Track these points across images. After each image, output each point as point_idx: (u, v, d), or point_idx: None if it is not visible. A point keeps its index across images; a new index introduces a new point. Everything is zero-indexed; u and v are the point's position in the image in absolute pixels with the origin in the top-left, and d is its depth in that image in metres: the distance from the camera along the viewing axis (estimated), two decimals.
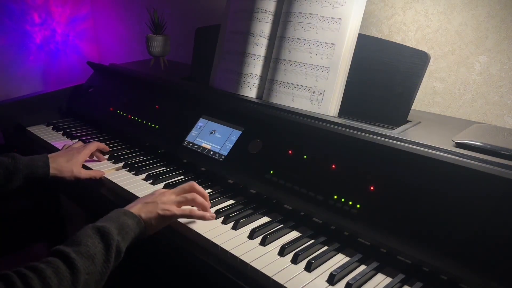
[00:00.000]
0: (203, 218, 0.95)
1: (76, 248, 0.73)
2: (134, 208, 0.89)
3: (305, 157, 1.02)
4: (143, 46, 2.18)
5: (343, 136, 0.97)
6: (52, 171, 1.15)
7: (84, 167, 1.25)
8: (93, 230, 0.78)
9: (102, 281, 0.75)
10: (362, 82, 1.13)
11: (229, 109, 1.25)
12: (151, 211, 0.89)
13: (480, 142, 0.87)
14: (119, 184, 1.15)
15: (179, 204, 0.94)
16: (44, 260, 0.71)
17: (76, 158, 1.20)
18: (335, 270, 0.80)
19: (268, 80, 1.24)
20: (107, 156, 1.32)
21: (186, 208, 0.94)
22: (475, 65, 1.17)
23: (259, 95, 1.28)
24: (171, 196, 0.94)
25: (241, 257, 0.85)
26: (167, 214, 0.90)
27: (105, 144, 1.40)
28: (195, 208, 0.96)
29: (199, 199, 0.96)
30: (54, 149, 1.43)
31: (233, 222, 0.96)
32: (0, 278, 0.65)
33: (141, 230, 0.86)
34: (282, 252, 0.86)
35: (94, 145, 1.28)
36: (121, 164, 1.28)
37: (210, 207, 1.01)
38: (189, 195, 0.95)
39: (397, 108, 1.08)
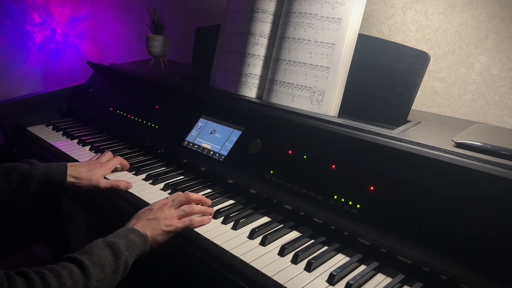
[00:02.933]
0: (202, 223, 0.97)
1: (89, 256, 0.79)
2: (139, 226, 0.92)
3: (305, 157, 1.02)
4: (143, 46, 2.18)
5: (343, 136, 0.97)
6: (69, 179, 1.13)
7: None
8: (104, 243, 0.83)
9: None
10: (362, 82, 1.13)
11: (229, 109, 1.25)
12: (156, 228, 0.92)
13: (480, 142, 0.87)
14: None
15: (179, 217, 0.96)
16: (59, 264, 0.76)
17: (97, 169, 1.17)
18: (335, 270, 0.80)
19: (268, 80, 1.24)
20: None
21: (186, 219, 0.96)
22: (475, 65, 1.17)
23: (259, 95, 1.28)
24: (170, 211, 0.97)
25: (241, 257, 0.85)
26: (170, 229, 0.93)
27: (105, 144, 1.40)
28: (194, 216, 0.97)
29: (197, 208, 0.99)
30: (54, 149, 1.43)
31: (233, 222, 0.96)
32: (19, 274, 0.71)
33: (146, 248, 0.90)
34: (282, 252, 0.86)
35: (117, 160, 1.23)
36: None
37: (210, 205, 1.03)
38: (187, 208, 0.98)
39: (397, 108, 1.08)
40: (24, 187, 1.09)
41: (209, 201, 1.04)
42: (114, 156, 1.27)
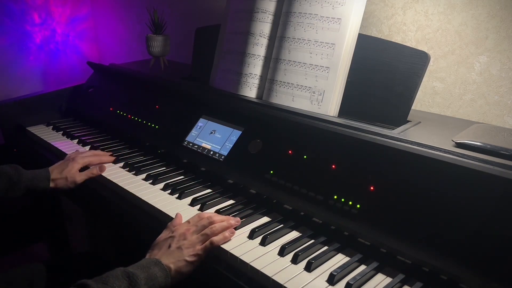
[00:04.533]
0: (225, 241, 0.90)
1: (102, 286, 0.75)
2: (163, 258, 0.86)
3: (305, 157, 1.02)
4: (143, 46, 2.18)
5: (343, 136, 0.97)
6: (50, 184, 1.19)
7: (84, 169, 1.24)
8: (123, 273, 0.79)
9: None
10: (362, 82, 1.13)
11: (229, 109, 1.25)
12: (180, 260, 0.86)
13: (480, 142, 0.87)
14: (119, 184, 1.15)
15: (202, 242, 0.89)
16: None
17: (71, 166, 1.21)
18: (335, 270, 0.80)
19: (268, 80, 1.24)
20: (121, 163, 1.28)
21: (207, 243, 0.89)
22: (475, 65, 1.17)
23: (259, 95, 1.28)
24: (192, 237, 0.89)
25: (241, 257, 0.85)
26: (195, 260, 0.87)
27: (105, 144, 1.40)
28: (214, 237, 0.90)
29: (219, 228, 0.91)
30: (54, 149, 1.43)
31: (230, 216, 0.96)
32: None
33: (167, 283, 0.84)
34: (282, 252, 0.86)
35: (90, 153, 1.28)
36: (121, 164, 1.28)
37: (230, 214, 0.99)
38: (209, 231, 0.90)
39: (397, 108, 1.08)
40: (10, 191, 1.13)
41: (235, 222, 0.95)
42: (93, 151, 1.32)
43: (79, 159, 1.24)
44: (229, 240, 0.91)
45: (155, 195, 1.10)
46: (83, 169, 1.24)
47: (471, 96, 1.20)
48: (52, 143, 1.45)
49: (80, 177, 1.19)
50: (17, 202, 1.77)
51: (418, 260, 0.80)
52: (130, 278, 0.78)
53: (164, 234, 0.93)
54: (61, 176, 1.19)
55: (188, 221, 0.94)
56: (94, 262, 1.25)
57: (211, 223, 0.92)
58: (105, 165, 1.25)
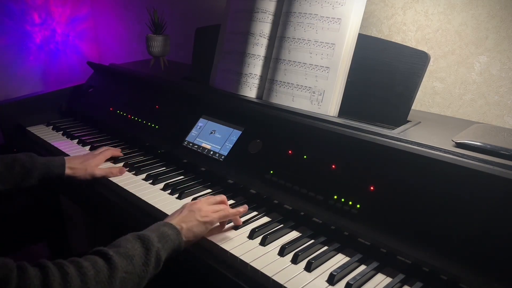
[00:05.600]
0: (238, 213, 0.95)
1: (115, 249, 0.76)
2: (174, 220, 0.89)
3: (305, 157, 1.02)
4: (143, 46, 2.18)
5: (343, 136, 0.97)
6: (67, 171, 1.18)
7: None
8: (133, 236, 0.80)
9: (140, 286, 0.77)
10: (362, 82, 1.13)
11: (229, 109, 1.25)
12: (191, 220, 0.89)
13: (480, 142, 0.87)
14: (119, 184, 1.15)
15: (214, 211, 0.93)
16: (83, 257, 0.73)
17: (91, 160, 1.23)
18: (335, 270, 0.80)
19: (268, 80, 1.24)
20: (112, 161, 1.31)
21: (221, 212, 0.93)
22: (475, 65, 1.17)
23: (259, 95, 1.28)
24: (205, 205, 0.94)
25: (241, 257, 0.85)
26: (207, 220, 0.90)
27: (105, 144, 1.40)
28: (229, 210, 0.95)
29: (232, 210, 0.96)
30: (54, 149, 1.43)
31: (233, 222, 0.96)
32: (35, 265, 0.67)
33: (181, 241, 0.86)
34: (282, 252, 0.86)
35: (109, 152, 1.29)
36: (121, 164, 1.28)
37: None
38: (222, 205, 0.95)
39: (397, 108, 1.08)
40: (25, 179, 1.12)
41: (243, 209, 0.98)
42: (108, 148, 1.32)
43: (101, 157, 1.26)
44: (239, 223, 0.96)
45: (155, 195, 1.10)
46: None
47: (471, 96, 1.20)
48: (52, 143, 1.45)
49: (99, 172, 1.20)
50: (17, 202, 1.77)
51: (418, 260, 0.80)
52: (141, 239, 0.79)
53: (175, 210, 0.96)
54: (81, 166, 1.20)
55: (200, 199, 0.98)
56: None
57: (222, 199, 0.98)
58: (106, 165, 1.25)
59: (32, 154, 1.17)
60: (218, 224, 0.94)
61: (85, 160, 1.23)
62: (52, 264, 0.68)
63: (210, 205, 0.94)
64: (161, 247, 0.80)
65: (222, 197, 0.99)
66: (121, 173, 1.21)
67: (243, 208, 0.98)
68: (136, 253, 0.76)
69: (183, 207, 0.94)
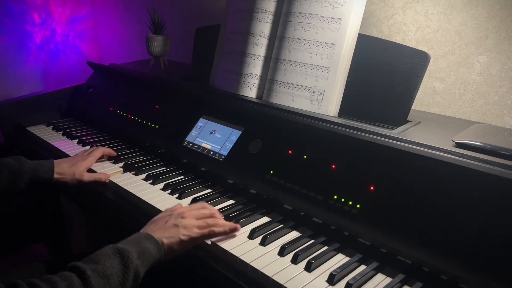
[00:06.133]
0: (225, 234, 0.91)
1: (93, 266, 0.73)
2: (157, 233, 0.85)
3: (305, 157, 1.02)
4: (143, 46, 2.18)
5: (343, 136, 0.97)
6: (55, 175, 1.17)
7: (90, 171, 1.24)
8: (113, 250, 0.77)
9: None
10: (362, 82, 1.13)
11: (229, 109, 1.25)
12: (173, 236, 0.85)
13: (480, 142, 0.87)
14: (119, 184, 1.15)
15: (200, 228, 0.89)
16: (59, 274, 0.71)
17: (80, 163, 1.21)
18: (335, 270, 0.80)
19: (268, 80, 1.24)
20: (112, 161, 1.31)
21: (206, 230, 0.89)
22: (475, 65, 1.17)
23: (259, 95, 1.28)
24: (192, 220, 0.90)
25: (241, 257, 0.85)
26: (189, 241, 0.87)
27: (105, 144, 1.40)
28: (215, 228, 0.90)
29: (222, 222, 0.92)
30: (54, 149, 1.43)
31: (233, 222, 0.96)
32: (10, 286, 0.66)
33: (161, 256, 0.83)
34: (282, 252, 0.86)
35: (99, 151, 1.28)
36: (121, 164, 1.28)
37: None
38: (211, 220, 0.91)
39: (397, 108, 1.08)
40: (13, 184, 1.11)
41: (236, 228, 0.93)
42: (97, 147, 1.31)
43: (91, 159, 1.24)
44: (229, 237, 0.91)
45: (155, 195, 1.10)
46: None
47: (471, 96, 1.20)
48: (52, 143, 1.45)
49: (88, 178, 1.19)
50: (17, 202, 1.77)
51: (418, 260, 0.80)
52: (121, 254, 0.76)
53: (162, 213, 0.94)
54: (69, 171, 1.19)
55: (190, 206, 0.95)
56: None
57: (212, 215, 0.93)
58: (105, 165, 1.25)
59: (20, 157, 1.14)
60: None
61: (74, 164, 1.20)
62: (26, 285, 0.67)
63: (198, 221, 0.90)
64: (140, 263, 0.78)
65: (213, 210, 0.95)
66: (106, 179, 1.18)
67: (233, 228, 0.92)
68: (114, 272, 0.74)
69: (170, 216, 0.90)
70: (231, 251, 0.87)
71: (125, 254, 0.76)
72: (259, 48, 1.27)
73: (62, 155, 1.38)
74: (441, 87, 1.25)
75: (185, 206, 0.95)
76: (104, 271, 0.73)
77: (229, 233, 0.91)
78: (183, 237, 0.86)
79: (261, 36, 1.26)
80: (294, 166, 1.02)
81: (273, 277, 0.79)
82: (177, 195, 1.09)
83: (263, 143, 1.11)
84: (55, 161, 1.20)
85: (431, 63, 1.22)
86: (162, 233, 0.85)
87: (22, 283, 0.67)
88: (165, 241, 0.84)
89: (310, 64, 1.15)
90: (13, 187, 1.11)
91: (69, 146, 1.44)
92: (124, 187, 1.13)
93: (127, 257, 0.76)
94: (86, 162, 1.22)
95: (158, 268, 0.85)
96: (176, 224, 0.87)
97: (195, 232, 0.88)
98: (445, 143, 0.90)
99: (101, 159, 1.30)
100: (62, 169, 1.18)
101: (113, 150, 1.37)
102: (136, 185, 1.15)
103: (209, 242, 0.91)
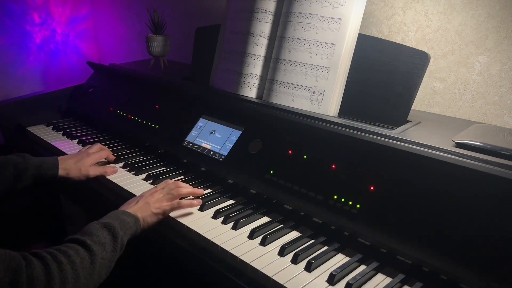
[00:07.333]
0: (191, 206, 1.03)
1: (89, 237, 0.83)
2: (130, 209, 0.96)
3: (305, 157, 1.02)
4: (143, 46, 2.18)
5: (343, 136, 0.97)
6: (60, 172, 1.17)
7: None
8: (100, 225, 0.87)
9: (110, 268, 0.85)
10: (362, 82, 1.13)
11: (229, 109, 1.25)
12: (146, 211, 0.97)
13: (480, 142, 0.87)
14: (119, 184, 1.15)
15: (168, 200, 1.01)
16: (64, 245, 0.80)
17: (85, 159, 1.21)
18: (335, 270, 0.80)
19: (268, 80, 1.24)
20: (121, 163, 1.29)
21: (175, 202, 1.01)
22: (475, 65, 1.17)
23: (259, 95, 1.28)
24: (159, 195, 1.02)
25: (241, 257, 0.85)
26: (159, 212, 0.99)
27: (105, 144, 1.40)
28: (182, 201, 1.02)
29: (184, 190, 1.04)
30: (54, 149, 1.43)
31: (233, 222, 0.96)
32: (33, 255, 0.74)
33: (138, 228, 0.94)
34: (282, 252, 0.86)
35: (105, 153, 1.28)
36: (121, 164, 1.28)
37: (202, 196, 1.08)
38: (175, 191, 1.03)
39: (397, 108, 1.08)
40: (18, 180, 1.11)
41: (200, 192, 1.08)
42: (102, 148, 1.32)
43: (96, 156, 1.25)
44: (196, 206, 1.03)
45: None
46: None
47: (471, 96, 1.20)
48: (52, 143, 1.45)
49: (94, 172, 1.20)
50: (18, 202, 1.77)
51: (418, 260, 0.79)
52: (107, 227, 0.86)
53: (134, 197, 1.04)
54: (75, 166, 1.19)
55: (156, 186, 1.07)
56: None
57: (176, 185, 1.05)
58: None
59: (25, 154, 1.15)
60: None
61: (79, 160, 1.21)
62: (47, 253, 0.75)
63: (164, 195, 1.02)
64: (124, 234, 0.88)
65: (176, 182, 1.06)
66: (114, 172, 1.22)
67: (199, 191, 1.07)
68: (107, 241, 0.84)
69: (141, 196, 1.01)
70: (231, 251, 0.87)
71: (110, 226, 0.87)
72: (259, 48, 1.27)
73: (62, 155, 1.38)
74: (441, 87, 1.25)
75: (153, 187, 1.06)
76: (99, 240, 0.83)
77: (196, 203, 1.03)
78: (154, 210, 0.98)
79: (261, 36, 1.26)
80: (294, 166, 1.02)
81: (273, 277, 0.79)
82: None
83: (263, 143, 1.11)
84: (59, 158, 1.20)
85: (431, 63, 1.22)
86: (136, 210, 0.97)
87: (43, 252, 0.75)
88: (139, 215, 0.96)
89: (310, 64, 1.15)
90: (18, 184, 1.12)
91: (69, 146, 1.44)
92: (124, 187, 1.13)
93: (113, 229, 0.87)
94: (91, 158, 1.23)
95: (156, 266, 0.85)
96: (146, 202, 0.99)
97: (165, 204, 1.00)
98: (445, 143, 0.90)
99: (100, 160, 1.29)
100: (67, 165, 1.18)
101: (113, 150, 1.37)
102: (136, 185, 1.15)
103: (209, 242, 0.91)
